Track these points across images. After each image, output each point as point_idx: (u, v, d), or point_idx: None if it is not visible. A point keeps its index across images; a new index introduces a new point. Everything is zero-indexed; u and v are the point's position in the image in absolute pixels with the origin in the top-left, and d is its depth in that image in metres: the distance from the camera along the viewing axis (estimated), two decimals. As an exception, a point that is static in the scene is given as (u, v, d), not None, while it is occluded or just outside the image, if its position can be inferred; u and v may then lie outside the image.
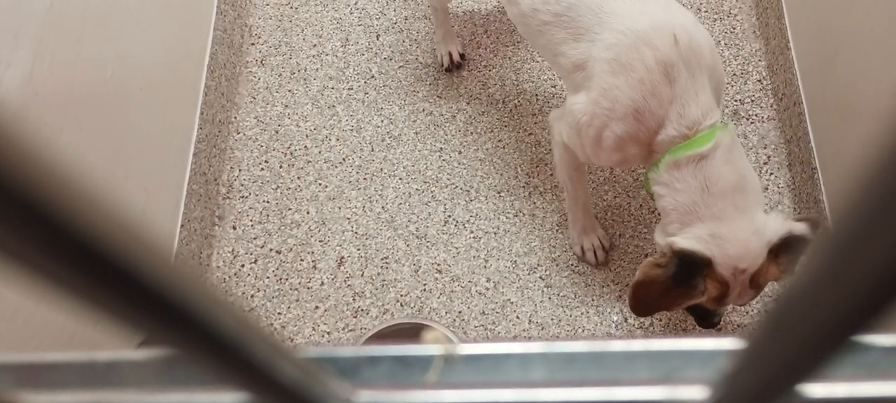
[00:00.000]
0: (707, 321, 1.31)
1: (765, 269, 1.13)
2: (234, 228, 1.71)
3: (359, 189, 1.73)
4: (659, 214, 1.25)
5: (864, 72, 1.36)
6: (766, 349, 0.23)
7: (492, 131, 1.78)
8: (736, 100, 1.78)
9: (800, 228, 1.14)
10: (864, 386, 0.28)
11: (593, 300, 1.59)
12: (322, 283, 1.64)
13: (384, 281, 1.63)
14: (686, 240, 1.13)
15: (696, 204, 1.15)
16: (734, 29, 1.87)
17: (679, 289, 1.13)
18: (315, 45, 1.93)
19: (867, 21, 1.35)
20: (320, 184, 1.75)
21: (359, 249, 1.66)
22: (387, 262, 1.65)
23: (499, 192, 1.71)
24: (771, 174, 1.70)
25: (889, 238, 0.15)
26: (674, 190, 1.17)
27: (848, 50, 1.44)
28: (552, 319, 1.57)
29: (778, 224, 1.14)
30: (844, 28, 1.46)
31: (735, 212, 1.14)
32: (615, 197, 1.68)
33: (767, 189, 1.68)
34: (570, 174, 1.43)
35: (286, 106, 1.85)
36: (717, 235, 1.13)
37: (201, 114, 1.70)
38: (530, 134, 1.77)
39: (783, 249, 1.13)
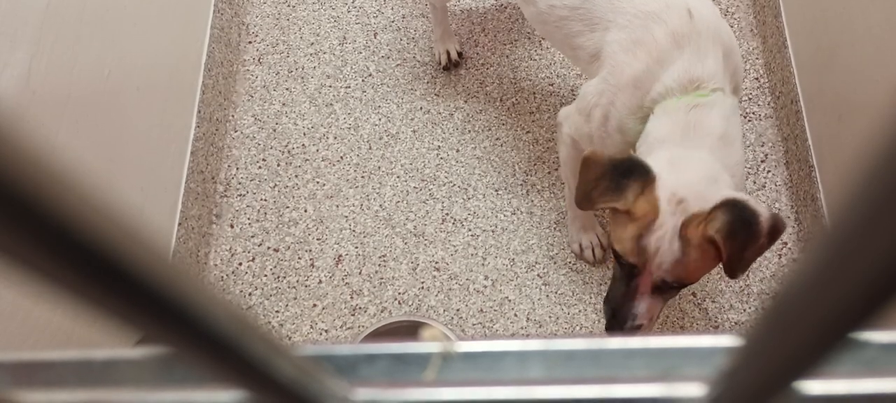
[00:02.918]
0: (616, 318, 1.15)
1: (699, 223, 1.00)
2: (232, 226, 1.71)
3: (356, 187, 1.73)
4: None
5: (861, 69, 1.37)
6: (764, 346, 0.23)
7: (489, 129, 1.78)
8: (733, 98, 1.78)
9: (761, 208, 1.00)
10: (862, 383, 0.28)
11: (591, 297, 1.59)
12: (320, 281, 1.64)
13: (382, 279, 1.63)
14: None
15: (672, 135, 1.09)
16: (731, 27, 1.87)
17: (611, 181, 1.04)
18: (313, 44, 1.92)
19: (864, 19, 1.36)
20: (318, 183, 1.75)
21: (357, 247, 1.66)
22: (385, 260, 1.65)
23: (496, 190, 1.71)
24: (768, 172, 1.70)
25: (887, 234, 0.15)
26: (657, 126, 1.12)
27: (845, 48, 1.44)
28: (550, 317, 1.57)
29: (742, 194, 1.03)
30: (841, 26, 1.46)
31: (707, 153, 1.07)
32: (613, 194, 1.68)
33: (765, 186, 1.68)
34: (574, 170, 1.43)
35: (284, 104, 1.85)
36: (675, 160, 1.05)
37: (199, 112, 1.70)
38: (528, 132, 1.77)
39: (725, 212, 0.99)
